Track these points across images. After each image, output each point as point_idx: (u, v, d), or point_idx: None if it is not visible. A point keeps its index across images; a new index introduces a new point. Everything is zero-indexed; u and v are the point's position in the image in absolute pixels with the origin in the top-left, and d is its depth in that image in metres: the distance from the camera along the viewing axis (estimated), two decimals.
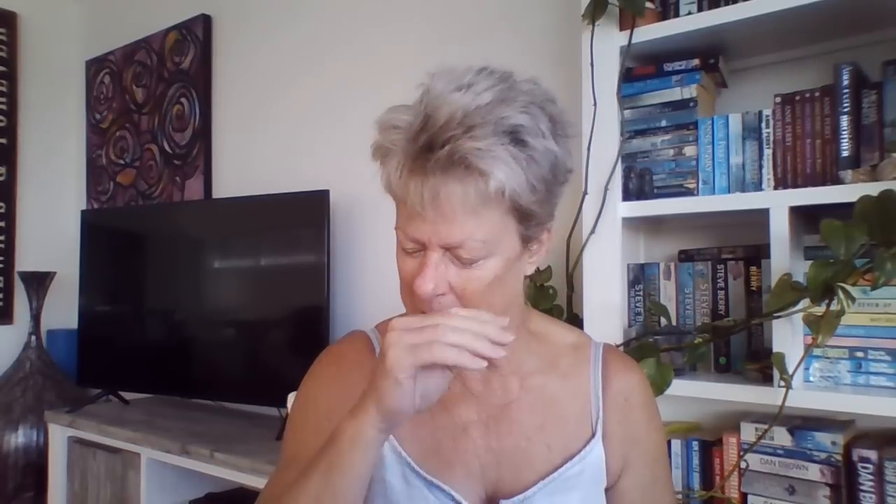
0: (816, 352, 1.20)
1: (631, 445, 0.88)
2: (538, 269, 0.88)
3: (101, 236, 2.69)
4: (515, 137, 0.69)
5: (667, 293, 1.41)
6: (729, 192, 1.30)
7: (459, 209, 0.70)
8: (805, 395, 1.16)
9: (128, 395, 2.62)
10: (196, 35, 2.73)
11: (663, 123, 1.38)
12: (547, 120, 0.73)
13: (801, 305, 1.14)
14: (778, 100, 1.27)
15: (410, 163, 0.71)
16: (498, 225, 0.72)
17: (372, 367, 0.74)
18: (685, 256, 1.45)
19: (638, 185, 1.39)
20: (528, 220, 0.74)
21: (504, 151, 0.68)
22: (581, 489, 0.84)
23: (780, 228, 1.21)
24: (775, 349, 1.18)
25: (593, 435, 0.86)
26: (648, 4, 1.36)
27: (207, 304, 2.37)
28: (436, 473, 0.82)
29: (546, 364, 0.88)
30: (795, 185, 1.24)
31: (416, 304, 0.76)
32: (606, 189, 1.37)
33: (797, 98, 1.25)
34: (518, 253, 0.76)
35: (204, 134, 2.70)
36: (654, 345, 1.27)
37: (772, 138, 1.27)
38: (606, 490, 0.88)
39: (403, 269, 0.76)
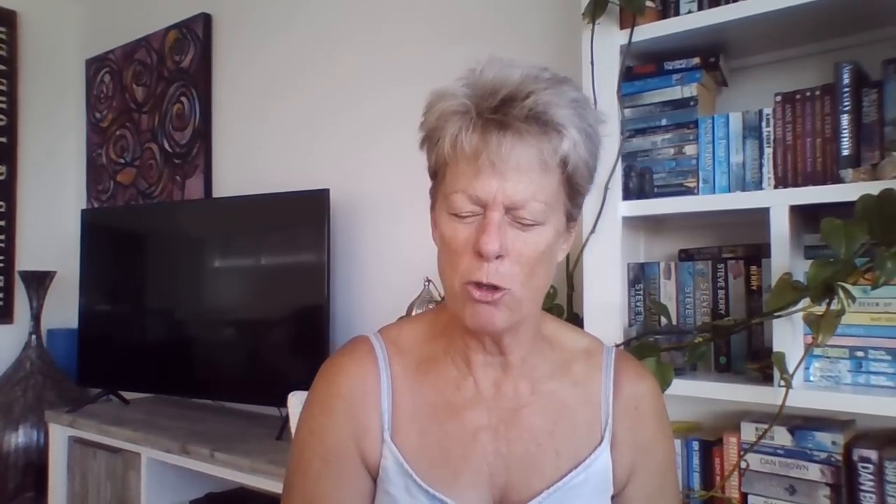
0: (817, 351, 1.20)
1: (639, 453, 0.86)
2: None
3: (101, 236, 2.69)
4: (577, 110, 0.75)
5: (667, 292, 1.41)
6: (729, 191, 1.30)
7: (535, 163, 0.73)
8: (805, 395, 1.16)
9: (128, 395, 2.62)
10: (196, 34, 2.72)
11: (663, 122, 1.38)
12: (591, 110, 0.78)
13: (801, 305, 1.13)
14: (778, 98, 1.27)
15: (487, 116, 0.73)
16: (555, 193, 0.76)
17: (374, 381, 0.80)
18: (685, 256, 1.45)
19: (638, 184, 1.39)
20: (574, 196, 0.79)
21: (574, 117, 0.74)
22: (585, 499, 0.83)
23: (780, 227, 1.21)
24: (775, 349, 1.18)
25: (601, 441, 0.84)
26: (649, 3, 1.35)
27: (207, 304, 2.37)
28: (441, 484, 0.81)
29: (558, 369, 0.87)
30: (796, 184, 1.23)
31: (466, 273, 0.75)
32: (606, 188, 1.37)
33: (798, 97, 1.25)
34: (562, 230, 0.79)
35: (204, 133, 2.70)
36: (654, 344, 1.27)
37: (772, 137, 1.26)
38: (613, 497, 0.86)
39: (455, 237, 0.76)
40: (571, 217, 0.81)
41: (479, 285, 0.74)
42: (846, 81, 1.19)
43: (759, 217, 1.23)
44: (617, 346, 1.30)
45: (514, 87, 0.73)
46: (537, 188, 0.73)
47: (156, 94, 2.91)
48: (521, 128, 0.72)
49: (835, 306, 1.07)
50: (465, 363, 0.85)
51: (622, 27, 1.38)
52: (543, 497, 0.81)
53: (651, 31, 1.35)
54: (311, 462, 0.84)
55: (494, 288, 0.74)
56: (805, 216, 1.25)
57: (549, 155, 0.73)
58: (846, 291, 1.06)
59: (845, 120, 1.19)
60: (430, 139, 0.79)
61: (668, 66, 1.38)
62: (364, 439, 0.83)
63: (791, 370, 1.14)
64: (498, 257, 0.73)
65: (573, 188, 0.78)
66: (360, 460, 0.83)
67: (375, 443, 0.83)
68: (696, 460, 1.31)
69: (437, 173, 0.80)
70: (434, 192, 0.82)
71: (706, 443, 1.31)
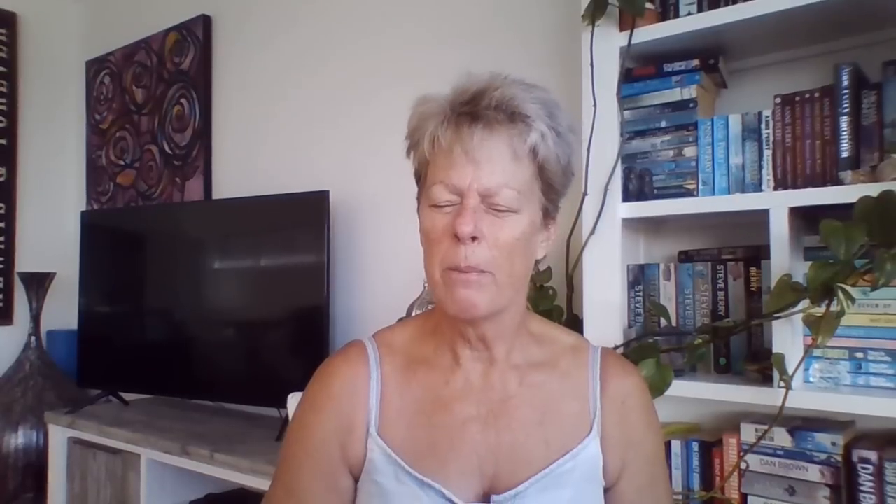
0: (816, 352, 1.20)
1: (628, 447, 0.88)
2: (538, 268, 0.90)
3: (101, 237, 2.68)
4: (547, 110, 0.79)
5: (667, 294, 1.41)
6: (729, 192, 1.30)
7: (505, 152, 0.78)
8: (805, 396, 1.16)
9: (128, 396, 2.62)
10: (196, 35, 2.73)
11: (663, 124, 1.38)
12: (564, 114, 0.82)
13: (800, 306, 1.14)
14: (778, 100, 1.27)
15: (459, 111, 0.79)
16: (528, 183, 0.80)
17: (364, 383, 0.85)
18: (685, 257, 1.45)
19: (638, 185, 1.39)
20: (549, 192, 0.83)
21: (542, 112, 0.78)
22: (573, 486, 0.84)
23: (779, 229, 1.21)
24: (775, 350, 1.18)
25: (590, 432, 0.86)
26: (648, 5, 1.36)
27: (207, 305, 2.37)
28: (429, 472, 0.83)
29: (546, 363, 0.89)
30: (795, 186, 1.23)
31: (446, 260, 0.78)
32: (606, 190, 1.37)
33: (797, 99, 1.25)
34: (539, 223, 0.83)
35: (204, 134, 2.70)
36: (654, 345, 1.27)
37: (771, 139, 1.27)
38: (606, 491, 0.88)
39: (435, 227, 0.80)
40: (548, 213, 0.85)
41: (458, 270, 0.77)
42: (845, 83, 1.19)
43: (759, 219, 1.23)
44: (616, 347, 1.31)
45: (484, 83, 0.79)
46: (510, 176, 0.78)
47: (156, 95, 2.91)
48: (490, 118, 0.77)
49: (834, 307, 1.08)
50: (453, 359, 0.88)
51: (622, 29, 1.38)
52: (531, 482, 0.82)
53: (650, 32, 1.36)
54: (295, 454, 0.89)
55: (473, 271, 0.77)
56: (804, 218, 1.25)
57: (518, 144, 0.78)
58: (846, 293, 1.06)
59: (845, 122, 1.19)
60: (413, 142, 0.84)
61: (668, 67, 1.38)
62: (349, 437, 0.86)
63: (791, 371, 1.14)
64: (474, 239, 0.77)
65: (546, 183, 0.82)
66: (341, 458, 0.87)
67: (360, 438, 0.86)
68: (695, 461, 1.31)
69: (420, 175, 0.85)
70: (419, 195, 0.86)
71: (706, 444, 1.31)
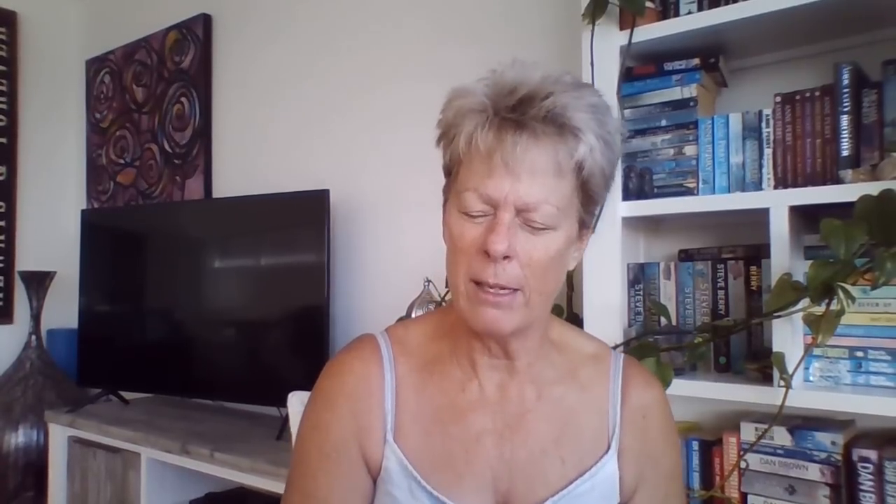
0: (816, 351, 1.20)
1: (646, 462, 0.86)
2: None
3: (101, 236, 2.69)
4: (596, 116, 0.74)
5: (667, 293, 1.41)
6: (729, 191, 1.30)
7: (549, 166, 0.72)
8: (805, 395, 1.16)
9: (128, 395, 2.62)
10: (196, 34, 2.73)
11: (663, 123, 1.38)
12: (612, 118, 0.77)
13: (801, 305, 1.13)
14: (778, 99, 1.27)
15: (503, 115, 0.72)
16: (568, 198, 0.75)
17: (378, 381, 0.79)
18: (685, 256, 1.45)
19: (638, 184, 1.39)
20: (588, 204, 0.78)
21: (592, 122, 0.73)
22: None
23: (779, 228, 1.21)
24: (775, 349, 1.18)
25: (608, 450, 0.84)
26: (648, 4, 1.35)
27: (207, 304, 2.37)
28: (444, 487, 0.80)
29: (566, 374, 0.86)
30: (795, 185, 1.23)
31: (472, 272, 0.74)
32: None
33: (797, 97, 1.25)
34: (574, 237, 0.78)
35: (204, 133, 2.70)
36: (654, 344, 1.27)
37: (772, 138, 1.27)
38: None
39: (463, 236, 0.75)
40: (584, 224, 0.80)
41: (485, 285, 0.73)
42: (846, 82, 1.19)
43: (759, 217, 1.23)
44: (616, 346, 1.31)
45: (534, 87, 0.72)
46: (550, 192, 0.72)
47: (156, 94, 2.91)
48: (537, 129, 0.71)
49: (834, 306, 1.08)
50: (469, 365, 0.84)
51: (622, 28, 1.38)
52: None
53: (651, 31, 1.36)
54: (310, 457, 0.84)
55: (502, 289, 0.73)
56: (805, 217, 1.25)
57: (564, 158, 0.72)
58: (846, 292, 1.06)
59: (845, 121, 1.19)
60: (446, 136, 0.78)
61: (668, 66, 1.38)
62: (366, 438, 0.82)
63: (791, 370, 1.14)
64: (506, 258, 0.72)
65: (587, 195, 0.77)
66: (361, 458, 0.83)
67: (378, 443, 0.82)
68: (695, 460, 1.31)
69: (451, 171, 0.79)
70: (447, 190, 0.81)
71: (706, 443, 1.31)
